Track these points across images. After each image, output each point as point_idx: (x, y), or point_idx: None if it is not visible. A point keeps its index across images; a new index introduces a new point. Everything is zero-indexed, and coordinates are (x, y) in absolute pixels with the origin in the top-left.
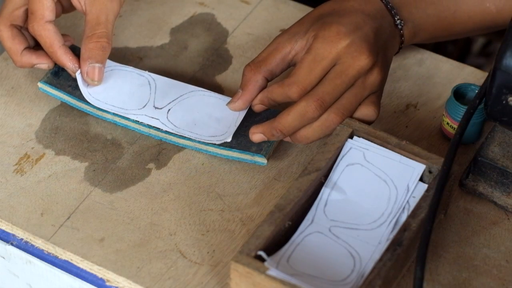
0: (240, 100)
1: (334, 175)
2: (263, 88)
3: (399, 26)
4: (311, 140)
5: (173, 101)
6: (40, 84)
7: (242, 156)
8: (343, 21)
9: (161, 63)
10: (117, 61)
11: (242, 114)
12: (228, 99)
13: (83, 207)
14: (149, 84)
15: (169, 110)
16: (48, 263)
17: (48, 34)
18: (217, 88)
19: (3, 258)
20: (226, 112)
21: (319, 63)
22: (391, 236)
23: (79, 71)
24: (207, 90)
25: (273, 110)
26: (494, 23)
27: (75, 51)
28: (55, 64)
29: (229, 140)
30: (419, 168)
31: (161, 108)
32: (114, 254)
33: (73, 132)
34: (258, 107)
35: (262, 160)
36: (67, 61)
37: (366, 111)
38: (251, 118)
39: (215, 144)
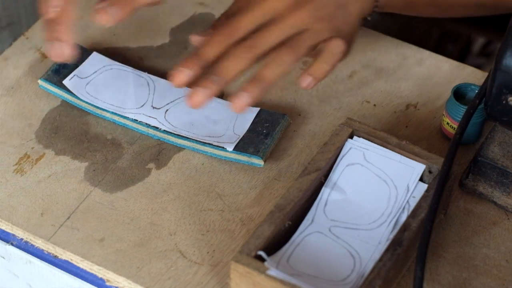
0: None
1: (334, 175)
2: None
3: None
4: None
5: (171, 102)
6: (40, 82)
7: (239, 157)
8: None
9: (161, 63)
10: (117, 61)
11: (240, 117)
12: (225, 103)
13: (83, 207)
14: (148, 85)
15: (167, 110)
16: (48, 263)
17: None
18: None
19: (3, 258)
20: (224, 115)
21: None
22: (391, 236)
23: (68, 78)
24: None
25: (273, 112)
26: (483, 3)
27: (79, 50)
28: (55, 62)
29: (230, 149)
30: (419, 168)
31: (159, 108)
32: (114, 254)
33: (73, 132)
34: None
35: (259, 161)
36: None
37: (334, 43)
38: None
39: (212, 144)
